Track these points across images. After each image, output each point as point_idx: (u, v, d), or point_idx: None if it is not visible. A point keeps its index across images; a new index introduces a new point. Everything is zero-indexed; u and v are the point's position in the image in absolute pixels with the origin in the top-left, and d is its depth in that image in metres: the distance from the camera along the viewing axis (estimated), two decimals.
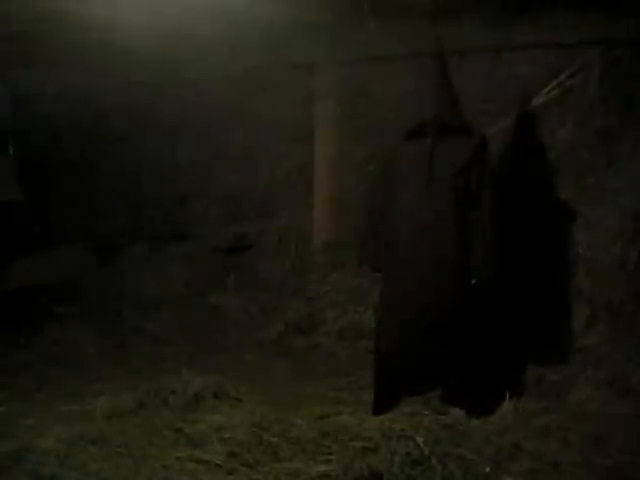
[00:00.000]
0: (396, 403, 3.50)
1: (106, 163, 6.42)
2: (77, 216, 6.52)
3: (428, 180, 3.43)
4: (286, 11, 4.64)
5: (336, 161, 5.18)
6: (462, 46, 4.59)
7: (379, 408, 3.50)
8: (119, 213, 6.36)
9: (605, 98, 4.27)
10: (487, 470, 2.93)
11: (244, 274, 5.55)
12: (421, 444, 3.00)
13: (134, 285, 5.82)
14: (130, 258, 6.03)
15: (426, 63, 3.55)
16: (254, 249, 5.63)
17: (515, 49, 4.53)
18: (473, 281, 3.43)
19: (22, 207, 6.55)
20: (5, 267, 6.13)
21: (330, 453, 3.02)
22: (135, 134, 6.28)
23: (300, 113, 5.36)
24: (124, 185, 6.36)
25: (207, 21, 4.87)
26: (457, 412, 3.38)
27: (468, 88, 4.56)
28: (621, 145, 4.20)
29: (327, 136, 5.19)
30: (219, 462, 2.96)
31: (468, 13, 4.54)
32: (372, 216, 3.71)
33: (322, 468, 2.89)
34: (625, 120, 4.21)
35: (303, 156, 5.41)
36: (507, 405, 3.50)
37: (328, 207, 5.22)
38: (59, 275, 6.07)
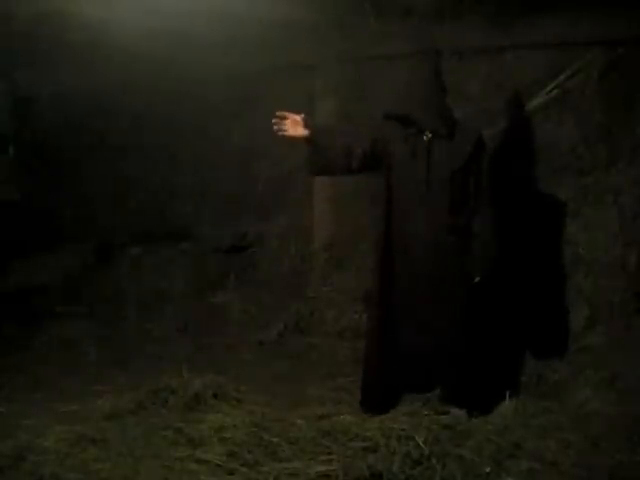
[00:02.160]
0: (393, 403, 3.50)
1: (106, 163, 6.42)
2: (77, 216, 6.53)
3: (425, 180, 3.42)
4: (286, 11, 4.65)
5: None
6: (462, 46, 4.59)
7: (367, 405, 3.50)
8: (119, 213, 6.36)
9: (605, 98, 4.27)
10: (487, 470, 2.93)
11: (244, 274, 5.56)
12: (421, 444, 3.00)
13: (134, 285, 5.83)
14: (130, 258, 6.03)
15: (420, 62, 3.54)
16: (254, 249, 5.63)
17: (515, 49, 4.53)
18: (476, 279, 3.43)
19: (22, 207, 6.56)
20: (5, 267, 6.13)
21: (330, 453, 3.01)
22: (135, 134, 6.29)
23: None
24: (124, 185, 6.37)
25: (207, 21, 4.87)
26: (457, 412, 3.38)
27: (468, 88, 4.58)
28: (621, 145, 4.20)
29: None
30: (219, 462, 2.96)
31: (468, 13, 4.54)
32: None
33: (322, 468, 2.89)
34: (625, 120, 4.20)
35: (303, 156, 5.40)
36: (507, 405, 3.50)
37: (328, 207, 5.22)
38: (59, 275, 6.08)
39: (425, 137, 3.45)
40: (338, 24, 5.00)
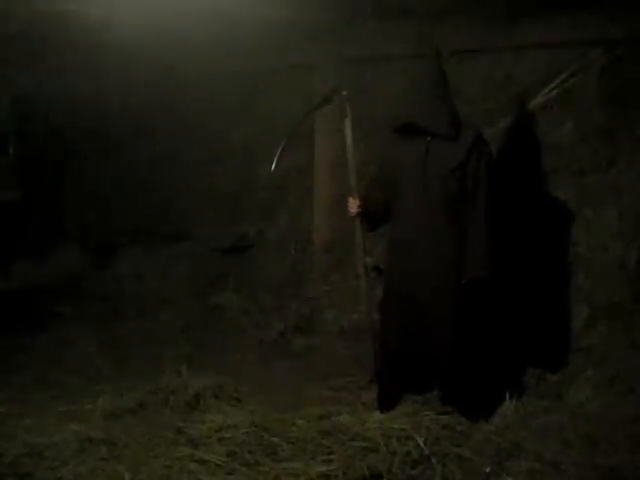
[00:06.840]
0: (398, 402, 3.50)
1: (106, 163, 6.43)
2: (77, 216, 6.54)
3: (423, 180, 3.42)
4: (286, 12, 4.65)
5: (336, 161, 5.18)
6: (462, 46, 4.59)
7: (384, 405, 3.50)
8: (119, 213, 6.37)
9: (605, 98, 4.27)
10: (487, 470, 2.93)
11: (244, 274, 5.56)
12: (421, 444, 3.00)
13: (134, 285, 5.83)
14: (130, 258, 6.04)
15: (422, 63, 3.55)
16: (254, 249, 5.63)
17: (515, 49, 4.53)
18: (463, 281, 3.42)
19: (22, 207, 6.56)
20: (5, 267, 6.14)
21: (330, 453, 3.02)
22: (135, 135, 6.29)
23: (300, 113, 5.36)
24: (124, 185, 6.37)
25: (208, 22, 4.88)
26: (457, 412, 3.38)
27: (468, 88, 4.58)
28: (621, 145, 4.20)
29: (327, 136, 5.19)
30: (219, 462, 2.97)
31: (468, 13, 4.54)
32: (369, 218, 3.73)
33: (322, 468, 2.90)
34: (625, 120, 4.20)
35: (303, 156, 5.41)
36: (507, 405, 3.50)
37: (328, 207, 5.22)
38: (59, 275, 6.08)
39: (425, 140, 3.45)
40: (337, 24, 5.00)
